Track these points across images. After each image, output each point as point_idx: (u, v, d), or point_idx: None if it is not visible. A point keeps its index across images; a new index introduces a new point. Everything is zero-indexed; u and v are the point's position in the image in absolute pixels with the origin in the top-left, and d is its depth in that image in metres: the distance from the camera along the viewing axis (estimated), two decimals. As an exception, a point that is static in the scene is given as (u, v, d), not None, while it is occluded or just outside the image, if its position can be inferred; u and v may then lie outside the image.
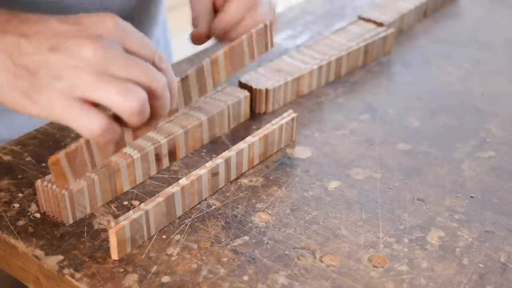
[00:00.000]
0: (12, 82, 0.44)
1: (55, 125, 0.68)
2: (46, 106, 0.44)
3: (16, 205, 0.57)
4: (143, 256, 0.52)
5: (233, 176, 0.61)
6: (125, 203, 0.58)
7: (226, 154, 0.60)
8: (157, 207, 0.53)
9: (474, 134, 0.70)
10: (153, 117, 0.48)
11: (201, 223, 0.56)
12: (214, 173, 0.58)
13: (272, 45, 0.67)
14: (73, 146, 0.47)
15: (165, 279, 0.50)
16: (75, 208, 0.55)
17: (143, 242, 0.53)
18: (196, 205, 0.58)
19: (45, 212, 0.56)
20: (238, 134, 0.69)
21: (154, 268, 0.51)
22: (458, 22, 1.00)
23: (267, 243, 0.54)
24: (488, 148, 0.68)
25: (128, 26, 0.46)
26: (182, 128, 0.63)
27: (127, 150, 0.59)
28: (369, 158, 0.66)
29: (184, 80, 0.58)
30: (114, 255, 0.51)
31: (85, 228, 0.55)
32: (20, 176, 0.60)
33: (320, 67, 0.77)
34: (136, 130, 0.49)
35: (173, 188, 0.55)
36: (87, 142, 0.48)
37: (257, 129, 0.68)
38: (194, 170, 0.58)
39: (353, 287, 0.50)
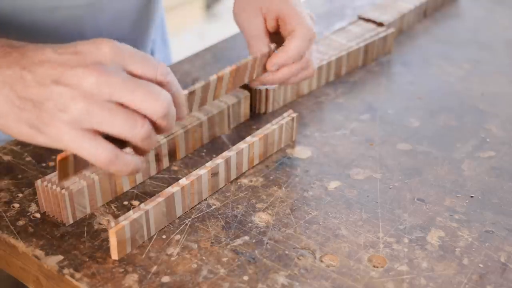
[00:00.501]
0: (17, 114, 0.45)
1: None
2: (54, 137, 0.44)
3: (16, 205, 0.57)
4: (143, 256, 0.52)
5: (233, 176, 0.61)
6: (125, 203, 0.58)
7: (226, 154, 0.60)
8: (157, 207, 0.53)
9: (474, 134, 0.70)
10: (160, 132, 0.48)
11: (201, 223, 0.56)
12: (214, 173, 0.58)
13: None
14: None
15: (165, 279, 0.50)
16: (75, 208, 0.55)
17: (143, 242, 0.53)
18: (196, 205, 0.58)
19: (45, 212, 0.56)
20: (238, 134, 0.69)
21: (154, 268, 0.51)
22: (458, 22, 1.00)
23: (267, 243, 0.54)
24: (488, 148, 0.68)
25: (125, 47, 0.47)
26: (182, 128, 0.63)
27: (127, 150, 0.59)
28: (369, 158, 0.66)
29: (190, 94, 0.58)
30: (114, 255, 0.51)
31: (85, 228, 0.55)
32: (20, 176, 0.60)
33: (320, 67, 0.77)
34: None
35: (173, 188, 0.55)
36: None
37: (257, 129, 0.68)
38: (194, 170, 0.58)
39: (353, 287, 0.50)
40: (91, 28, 0.70)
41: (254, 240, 0.54)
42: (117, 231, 0.50)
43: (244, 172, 0.63)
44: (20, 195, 0.58)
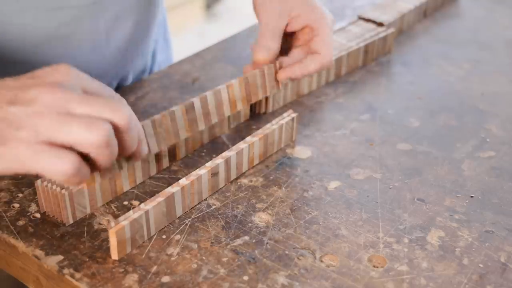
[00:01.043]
0: None
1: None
2: (12, 158, 0.43)
3: (16, 205, 0.57)
4: (143, 256, 0.52)
5: (233, 176, 0.61)
6: (125, 203, 0.58)
7: (226, 154, 0.60)
8: (157, 207, 0.53)
9: (474, 134, 0.70)
10: (123, 152, 0.47)
11: (201, 223, 0.56)
12: (214, 173, 0.58)
13: (278, 87, 0.69)
14: None
15: (165, 279, 0.50)
16: (75, 208, 0.55)
17: (143, 242, 0.53)
18: (196, 205, 0.58)
19: (45, 212, 0.56)
20: (238, 134, 0.69)
21: (154, 268, 0.51)
22: (458, 22, 1.00)
23: (267, 243, 0.54)
24: (488, 148, 0.68)
25: (84, 74, 0.46)
26: None
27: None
28: (369, 158, 0.66)
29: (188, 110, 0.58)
30: (114, 255, 0.51)
31: (85, 228, 0.55)
32: (20, 176, 0.60)
33: (320, 67, 0.77)
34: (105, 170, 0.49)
35: (173, 188, 0.55)
36: None
37: (257, 129, 0.68)
38: (194, 170, 0.58)
39: (353, 287, 0.50)
40: (93, 28, 0.70)
41: (254, 240, 0.54)
42: (117, 231, 0.50)
43: (244, 172, 0.63)
44: (20, 195, 0.58)
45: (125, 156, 0.48)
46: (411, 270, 0.52)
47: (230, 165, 0.60)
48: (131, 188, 0.60)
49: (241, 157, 0.61)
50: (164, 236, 0.54)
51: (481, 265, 0.52)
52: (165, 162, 0.63)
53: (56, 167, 0.43)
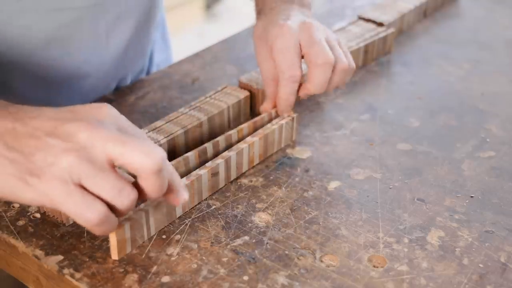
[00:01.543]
0: (5, 166, 0.43)
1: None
2: (42, 191, 0.42)
3: (16, 205, 0.57)
4: (143, 256, 0.52)
5: (233, 176, 0.61)
6: (125, 203, 0.58)
7: (226, 154, 0.60)
8: (158, 207, 0.53)
9: (474, 134, 0.70)
10: (148, 196, 0.47)
11: (201, 223, 0.56)
12: (214, 173, 0.58)
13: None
14: None
15: (165, 279, 0.50)
16: (75, 208, 0.55)
17: (143, 242, 0.53)
18: (196, 205, 0.58)
19: (45, 212, 0.56)
20: (238, 134, 0.69)
21: (154, 268, 0.51)
22: (458, 22, 1.00)
23: (267, 243, 0.54)
24: (488, 148, 0.68)
25: (121, 115, 0.46)
26: (182, 128, 0.63)
27: None
28: (369, 158, 0.66)
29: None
30: (114, 255, 0.51)
31: (85, 228, 0.55)
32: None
33: (320, 67, 0.77)
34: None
35: None
36: None
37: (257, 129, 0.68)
38: (194, 170, 0.58)
39: (353, 287, 0.50)
40: (94, 29, 0.70)
41: (254, 240, 0.54)
42: (117, 231, 0.50)
43: (244, 172, 0.63)
44: (20, 195, 0.58)
45: (154, 199, 0.47)
46: (411, 270, 0.52)
47: (230, 165, 0.60)
48: (131, 188, 0.60)
49: (241, 157, 0.61)
50: (164, 236, 0.54)
51: (481, 265, 0.52)
52: (165, 162, 0.63)
53: (83, 214, 0.43)
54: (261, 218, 0.57)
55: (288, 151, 0.66)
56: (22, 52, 0.66)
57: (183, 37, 2.62)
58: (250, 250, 0.53)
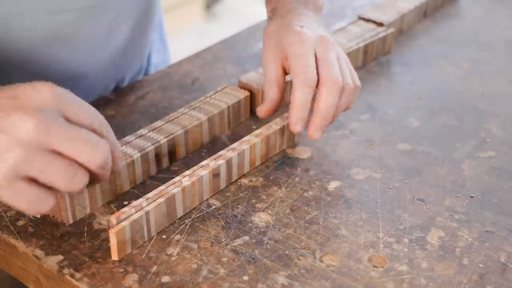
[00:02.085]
0: None
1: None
2: None
3: (16, 205, 0.57)
4: (143, 256, 0.52)
5: (234, 177, 0.61)
6: (125, 203, 0.58)
7: (227, 155, 0.59)
8: (158, 207, 0.53)
9: (474, 134, 0.70)
10: (94, 182, 0.48)
11: (201, 223, 0.56)
12: (215, 174, 0.58)
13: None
14: None
15: (165, 279, 0.50)
16: (75, 208, 0.55)
17: (143, 242, 0.53)
18: (196, 205, 0.58)
19: (45, 212, 0.56)
20: (238, 134, 0.69)
21: (154, 268, 0.51)
22: (458, 22, 1.00)
23: (267, 243, 0.54)
24: (488, 148, 0.68)
25: (66, 93, 0.46)
26: (182, 128, 0.63)
27: (127, 150, 0.59)
28: (369, 158, 0.66)
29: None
30: (114, 255, 0.51)
31: (85, 228, 0.55)
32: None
33: (320, 67, 0.77)
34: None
35: (174, 189, 0.55)
36: None
37: (257, 129, 0.68)
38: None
39: (353, 287, 0.50)
40: (93, 30, 0.70)
41: (254, 240, 0.54)
42: (117, 231, 0.50)
43: (245, 173, 0.63)
44: (20, 195, 0.58)
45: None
46: (411, 270, 0.52)
47: (232, 166, 0.60)
48: (131, 188, 0.60)
49: (242, 158, 0.61)
50: (164, 236, 0.54)
51: (481, 265, 0.52)
52: (165, 162, 0.63)
53: (36, 209, 0.44)
54: (261, 218, 0.57)
55: (288, 151, 0.66)
56: (21, 53, 0.66)
57: (183, 37, 2.62)
58: (250, 250, 0.53)
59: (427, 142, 0.69)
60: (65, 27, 0.67)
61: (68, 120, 0.45)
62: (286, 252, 0.53)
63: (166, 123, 0.64)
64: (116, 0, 0.70)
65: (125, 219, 0.51)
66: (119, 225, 0.50)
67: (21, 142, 0.42)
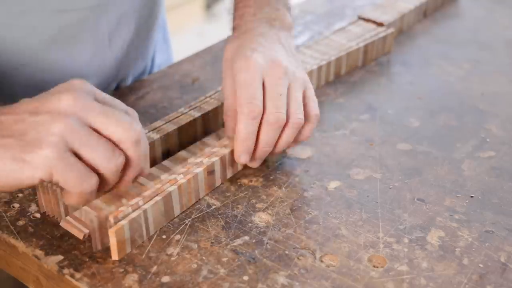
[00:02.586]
0: (0, 154, 0.44)
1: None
2: (41, 163, 0.44)
3: (16, 205, 0.57)
4: (143, 256, 0.52)
5: (229, 175, 0.61)
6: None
7: (221, 151, 0.59)
8: (155, 206, 0.53)
9: (474, 134, 0.70)
10: (132, 170, 0.50)
11: (201, 223, 0.56)
12: (210, 171, 0.58)
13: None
14: None
15: (165, 279, 0.50)
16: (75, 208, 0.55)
17: (143, 242, 0.53)
18: (196, 205, 0.58)
19: (45, 212, 0.56)
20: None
21: (154, 268, 0.51)
22: (458, 22, 1.00)
23: (267, 243, 0.54)
24: (488, 148, 0.68)
25: (94, 87, 0.49)
26: (176, 125, 0.63)
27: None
28: (369, 158, 0.66)
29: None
30: (114, 255, 0.51)
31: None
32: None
33: (320, 67, 0.77)
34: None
35: (170, 187, 0.55)
36: None
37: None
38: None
39: (353, 287, 0.50)
40: (96, 30, 0.70)
41: (254, 240, 0.54)
42: (116, 230, 0.50)
43: (244, 172, 0.63)
44: (20, 195, 0.58)
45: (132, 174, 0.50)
46: (411, 270, 0.52)
47: (226, 163, 0.60)
48: (131, 188, 0.60)
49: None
50: (164, 236, 0.54)
51: (481, 265, 0.52)
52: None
53: (80, 185, 0.45)
54: (261, 218, 0.57)
55: (288, 151, 0.66)
56: (24, 54, 0.66)
57: (183, 37, 2.62)
58: (250, 250, 0.53)
59: (427, 142, 0.69)
60: (68, 27, 0.67)
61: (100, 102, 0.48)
62: (286, 252, 0.53)
63: (166, 123, 0.64)
64: (119, 0, 0.70)
65: (123, 218, 0.51)
66: (118, 224, 0.50)
67: (63, 114, 0.45)
